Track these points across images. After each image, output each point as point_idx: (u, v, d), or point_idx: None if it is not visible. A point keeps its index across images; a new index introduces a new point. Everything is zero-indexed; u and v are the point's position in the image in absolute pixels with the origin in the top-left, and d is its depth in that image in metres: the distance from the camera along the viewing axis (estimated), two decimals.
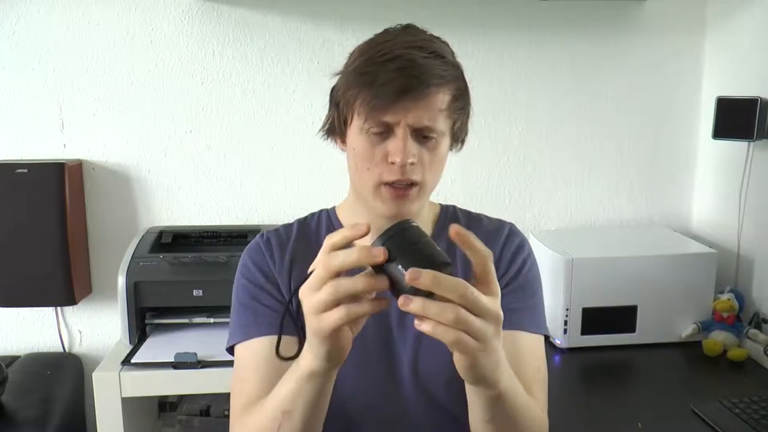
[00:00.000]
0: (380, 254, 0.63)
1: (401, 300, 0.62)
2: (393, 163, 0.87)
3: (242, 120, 1.92)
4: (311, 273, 0.67)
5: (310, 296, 0.66)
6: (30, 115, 1.86)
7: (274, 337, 0.90)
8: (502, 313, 0.66)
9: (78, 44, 1.84)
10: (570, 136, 2.03)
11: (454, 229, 0.65)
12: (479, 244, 0.65)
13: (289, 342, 0.92)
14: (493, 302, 0.65)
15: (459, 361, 0.67)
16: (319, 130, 0.98)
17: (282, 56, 1.90)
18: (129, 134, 1.90)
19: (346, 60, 0.94)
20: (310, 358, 0.72)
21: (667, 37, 1.99)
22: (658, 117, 2.04)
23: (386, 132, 0.87)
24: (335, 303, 0.65)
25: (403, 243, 0.65)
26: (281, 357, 0.75)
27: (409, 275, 0.61)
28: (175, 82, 1.89)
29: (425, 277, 0.61)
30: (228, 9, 1.86)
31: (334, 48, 1.90)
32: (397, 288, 0.64)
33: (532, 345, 0.94)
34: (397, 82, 0.84)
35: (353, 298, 0.65)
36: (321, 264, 0.66)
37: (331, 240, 0.68)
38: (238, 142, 1.93)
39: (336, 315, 0.65)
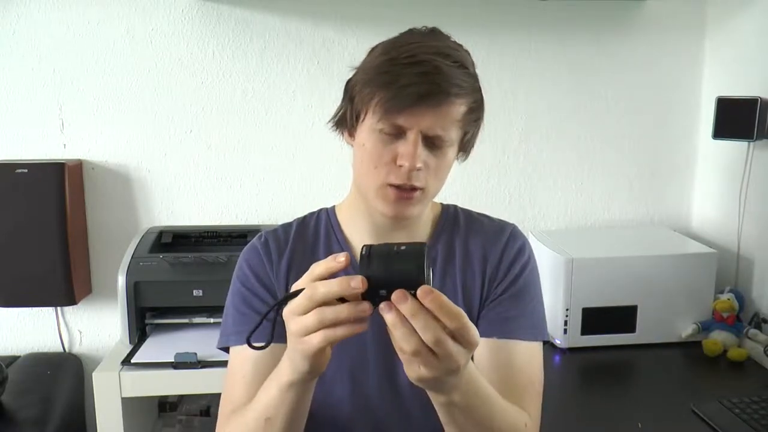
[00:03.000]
0: (359, 285, 0.65)
1: (398, 295, 0.64)
2: (401, 166, 0.86)
3: (242, 120, 1.92)
4: (296, 292, 0.69)
5: (295, 320, 0.69)
6: (30, 115, 1.86)
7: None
8: (477, 342, 0.68)
9: (78, 44, 1.84)
10: (570, 136, 2.03)
11: (423, 291, 0.65)
12: (452, 307, 0.66)
13: (279, 348, 0.93)
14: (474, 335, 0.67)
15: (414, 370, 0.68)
16: (329, 121, 0.98)
17: (282, 56, 1.90)
18: (129, 134, 1.90)
19: (366, 56, 0.93)
20: (289, 370, 0.75)
21: (667, 37, 1.99)
22: (658, 117, 2.04)
23: (398, 134, 0.87)
24: (318, 329, 0.67)
25: (382, 263, 0.67)
26: (251, 346, 0.75)
27: (396, 296, 0.64)
28: (175, 82, 1.88)
29: (429, 297, 0.64)
30: (228, 9, 1.86)
31: (334, 48, 1.90)
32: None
33: (526, 354, 0.93)
34: (418, 86, 0.83)
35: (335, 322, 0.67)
36: (305, 294, 0.68)
37: (315, 271, 0.69)
38: (238, 142, 1.93)
39: (318, 338, 0.67)
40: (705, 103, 2.00)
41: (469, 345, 0.67)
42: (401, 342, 0.65)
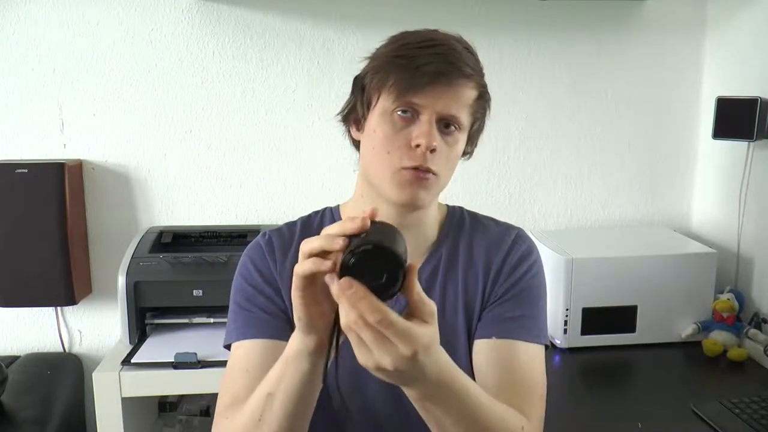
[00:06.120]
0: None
1: (329, 277, 0.66)
2: (417, 146, 0.86)
3: (242, 120, 1.92)
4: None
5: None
6: (30, 115, 1.86)
7: (267, 341, 0.92)
8: (424, 339, 0.66)
9: (78, 44, 1.84)
10: (570, 136, 2.03)
11: (341, 285, 0.64)
12: (371, 303, 0.64)
13: (282, 346, 0.93)
14: (414, 327, 0.65)
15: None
16: (337, 114, 0.98)
17: (282, 56, 1.90)
18: (129, 134, 1.90)
19: (375, 50, 0.94)
20: (294, 336, 0.75)
21: (667, 37, 1.99)
22: (658, 117, 2.04)
23: (411, 117, 0.88)
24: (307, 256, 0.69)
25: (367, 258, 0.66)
26: None
27: (337, 285, 0.64)
28: (175, 82, 1.89)
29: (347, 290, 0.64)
30: (228, 9, 1.86)
31: (334, 48, 1.90)
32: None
33: (529, 356, 0.92)
34: (435, 65, 0.85)
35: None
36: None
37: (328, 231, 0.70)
38: (238, 142, 1.93)
39: (306, 264, 0.69)
40: (705, 103, 2.00)
41: (402, 340, 0.64)
42: (346, 317, 0.65)
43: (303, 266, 0.69)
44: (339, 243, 0.67)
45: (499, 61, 1.94)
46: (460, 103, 0.88)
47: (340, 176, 1.81)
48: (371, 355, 0.65)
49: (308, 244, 0.69)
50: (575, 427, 1.38)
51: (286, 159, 1.95)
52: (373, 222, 0.69)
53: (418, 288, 0.67)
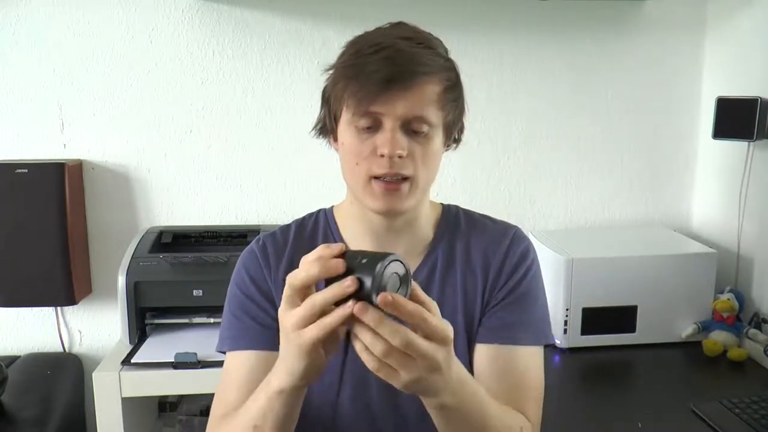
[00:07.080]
0: (352, 286, 0.65)
1: (358, 306, 0.64)
2: (382, 155, 0.85)
3: (242, 120, 1.92)
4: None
5: (289, 314, 0.68)
6: (30, 115, 1.86)
7: (259, 353, 0.92)
8: (451, 336, 0.68)
9: (78, 44, 1.84)
10: (570, 136, 2.03)
11: (384, 300, 0.64)
12: (410, 308, 0.65)
13: (273, 357, 0.93)
14: (441, 328, 0.67)
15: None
16: (312, 129, 0.98)
17: (282, 56, 1.90)
18: (129, 134, 1.90)
19: (337, 58, 0.93)
20: (282, 375, 0.73)
21: (667, 37, 1.99)
22: (658, 117, 2.04)
23: (375, 126, 0.86)
24: (313, 318, 0.67)
25: (361, 258, 0.67)
26: None
27: (381, 299, 0.63)
28: (175, 82, 1.89)
29: (388, 301, 0.63)
30: (228, 9, 1.86)
31: (334, 48, 1.86)
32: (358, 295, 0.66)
33: (527, 359, 0.92)
34: (383, 71, 0.83)
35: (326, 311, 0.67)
36: (304, 306, 0.68)
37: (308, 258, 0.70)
38: (238, 142, 1.93)
39: (313, 330, 0.67)
40: (705, 103, 2.00)
41: (441, 341, 0.67)
42: (372, 348, 0.65)
43: (310, 333, 0.67)
44: (351, 287, 0.65)
45: (499, 61, 1.94)
46: (422, 102, 0.85)
47: (340, 176, 1.81)
48: (398, 375, 0.66)
49: (312, 305, 0.67)
50: (575, 427, 1.38)
51: (286, 159, 1.95)
52: (346, 251, 0.69)
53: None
